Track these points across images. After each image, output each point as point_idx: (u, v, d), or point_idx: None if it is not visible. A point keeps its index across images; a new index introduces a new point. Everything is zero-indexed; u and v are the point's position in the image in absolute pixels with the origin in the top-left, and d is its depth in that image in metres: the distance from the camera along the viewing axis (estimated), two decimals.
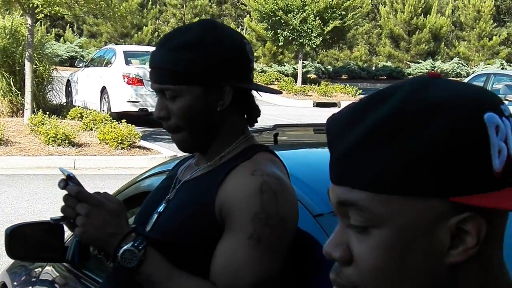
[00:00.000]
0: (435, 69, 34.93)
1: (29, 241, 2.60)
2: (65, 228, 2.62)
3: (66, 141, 13.04)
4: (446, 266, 0.98)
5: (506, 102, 1.02)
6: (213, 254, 1.91)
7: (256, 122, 2.11)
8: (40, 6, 14.35)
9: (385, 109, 0.98)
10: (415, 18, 38.47)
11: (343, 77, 36.08)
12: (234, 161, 1.97)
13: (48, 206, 9.11)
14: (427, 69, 35.56)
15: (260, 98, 2.20)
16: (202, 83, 1.96)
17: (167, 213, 2.03)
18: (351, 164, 1.00)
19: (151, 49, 23.63)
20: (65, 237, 2.67)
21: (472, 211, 0.96)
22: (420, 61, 37.73)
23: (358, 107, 1.03)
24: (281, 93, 2.25)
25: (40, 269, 3.58)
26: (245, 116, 2.07)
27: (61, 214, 1.95)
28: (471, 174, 0.95)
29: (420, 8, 38.50)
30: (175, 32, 2.06)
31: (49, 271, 3.50)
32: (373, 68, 39.82)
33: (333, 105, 25.35)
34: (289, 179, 2.00)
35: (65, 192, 1.93)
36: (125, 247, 1.88)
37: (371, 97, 1.03)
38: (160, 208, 2.05)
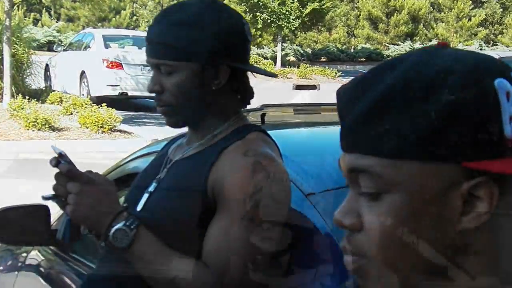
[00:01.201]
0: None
1: (14, 225, 2.58)
2: (51, 211, 2.63)
3: (46, 126, 12.97)
4: (457, 232, 0.98)
5: None
6: (206, 234, 1.91)
7: (249, 103, 2.11)
8: None
9: (395, 76, 0.98)
10: None
11: (322, 59, 36.08)
12: (227, 141, 1.97)
13: (30, 190, 9.07)
14: (405, 50, 35.59)
15: None
16: (199, 60, 1.96)
17: (159, 192, 2.02)
18: (362, 132, 1.00)
19: (130, 32, 23.50)
20: (52, 219, 2.66)
21: (484, 176, 0.96)
22: (399, 42, 37.80)
23: (367, 76, 1.03)
24: (276, 75, 2.25)
25: (26, 254, 3.57)
26: (239, 97, 2.06)
27: (52, 192, 1.93)
28: (483, 140, 0.95)
29: None
30: (174, 7, 2.05)
31: (35, 256, 3.48)
32: (352, 50, 39.83)
33: (313, 87, 25.34)
34: (281, 159, 2.00)
35: (56, 170, 1.92)
36: (116, 227, 1.86)
37: (379, 66, 1.03)
38: (151, 188, 2.04)
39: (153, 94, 2.05)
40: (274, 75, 2.28)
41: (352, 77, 1.07)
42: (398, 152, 0.97)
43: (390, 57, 1.20)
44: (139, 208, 2.02)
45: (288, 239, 2.04)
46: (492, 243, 1.00)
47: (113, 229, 1.86)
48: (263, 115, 2.85)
